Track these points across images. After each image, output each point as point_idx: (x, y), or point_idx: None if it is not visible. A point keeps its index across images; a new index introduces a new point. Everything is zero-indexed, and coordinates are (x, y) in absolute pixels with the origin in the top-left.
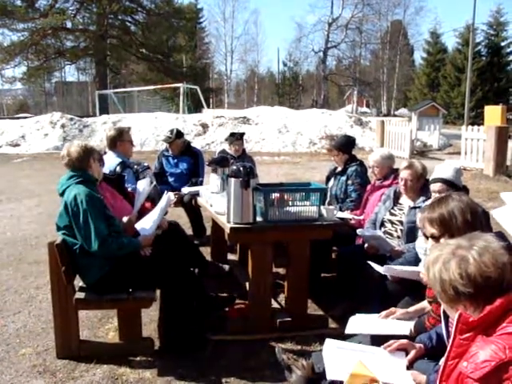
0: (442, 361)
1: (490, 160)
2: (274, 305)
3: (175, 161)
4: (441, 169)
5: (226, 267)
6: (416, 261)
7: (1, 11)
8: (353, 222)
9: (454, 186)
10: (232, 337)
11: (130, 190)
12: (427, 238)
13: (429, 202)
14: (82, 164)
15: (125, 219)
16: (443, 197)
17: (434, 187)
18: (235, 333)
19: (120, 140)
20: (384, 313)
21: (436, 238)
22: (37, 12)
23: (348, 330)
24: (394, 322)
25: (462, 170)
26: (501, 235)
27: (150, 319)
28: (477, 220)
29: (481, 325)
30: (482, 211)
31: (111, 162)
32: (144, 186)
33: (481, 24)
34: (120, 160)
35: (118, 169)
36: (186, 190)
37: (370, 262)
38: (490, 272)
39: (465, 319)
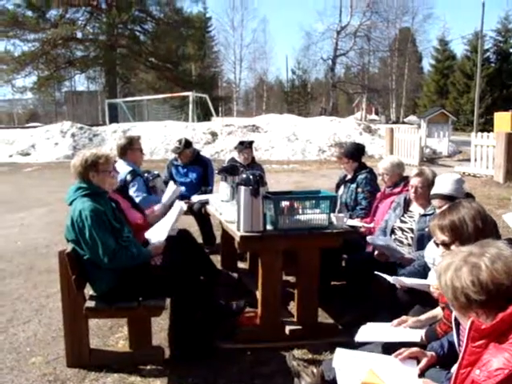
0: (455, 369)
1: (500, 166)
2: (284, 313)
3: (185, 170)
4: (439, 183)
5: (236, 275)
6: (425, 269)
7: (12, 22)
8: (363, 229)
9: (453, 198)
10: (242, 345)
11: (138, 199)
12: (438, 245)
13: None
14: (84, 176)
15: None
16: (454, 204)
17: (434, 203)
18: (245, 341)
19: (130, 148)
20: (396, 321)
21: (447, 245)
22: (47, 22)
23: (358, 338)
24: (404, 330)
25: (466, 177)
26: (511, 242)
27: (160, 328)
28: (487, 227)
29: (493, 332)
30: (491, 218)
31: (121, 170)
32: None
33: (489, 31)
34: (130, 168)
35: (128, 177)
36: (195, 198)
37: (378, 273)
38: (502, 279)
39: (477, 327)
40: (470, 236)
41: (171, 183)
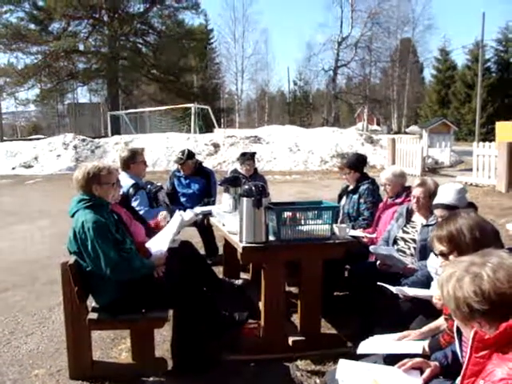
0: (459, 380)
1: (502, 176)
2: (287, 324)
3: (187, 181)
4: (441, 192)
5: (240, 281)
6: (428, 279)
7: (15, 35)
8: (365, 240)
9: (456, 208)
10: (245, 356)
11: (141, 213)
12: (437, 255)
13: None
14: (86, 189)
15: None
16: (452, 215)
17: (436, 213)
18: (248, 352)
19: (133, 162)
20: (397, 336)
21: (445, 256)
22: (50, 35)
23: (360, 351)
24: (406, 342)
25: (468, 187)
26: None
27: (162, 339)
28: (486, 237)
29: (497, 342)
30: (491, 228)
31: (124, 183)
32: (189, 216)
33: (490, 40)
34: (133, 182)
35: (130, 191)
36: (198, 209)
37: (380, 283)
38: (504, 289)
39: (480, 337)
40: (467, 246)
41: (188, 212)
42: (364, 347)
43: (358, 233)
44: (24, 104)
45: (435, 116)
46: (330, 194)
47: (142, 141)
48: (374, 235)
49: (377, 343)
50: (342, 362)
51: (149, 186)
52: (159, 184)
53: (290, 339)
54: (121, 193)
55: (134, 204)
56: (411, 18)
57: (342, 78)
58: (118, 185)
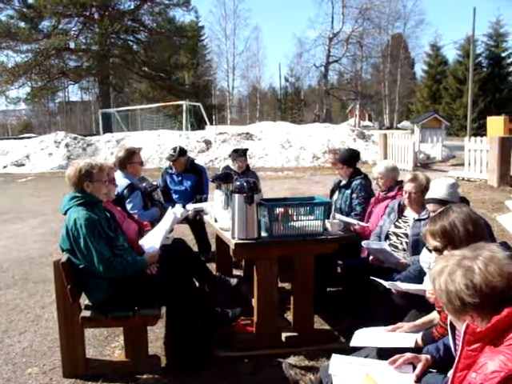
0: (451, 373)
1: (493, 171)
2: (281, 320)
3: (179, 178)
4: (434, 187)
5: (234, 281)
6: (421, 274)
7: (5, 33)
8: (357, 227)
9: (448, 203)
10: (239, 353)
11: (136, 216)
12: (430, 251)
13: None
14: (78, 186)
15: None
16: (444, 209)
17: (428, 207)
18: (242, 349)
19: (130, 162)
20: (391, 327)
21: (439, 251)
22: (40, 33)
23: (353, 343)
24: (399, 335)
25: (460, 182)
26: (505, 245)
27: (156, 336)
28: (479, 230)
29: (488, 335)
30: (484, 222)
31: (119, 182)
32: (179, 212)
33: (481, 35)
34: (128, 182)
35: (125, 192)
36: (190, 206)
37: (373, 278)
38: (495, 282)
39: (472, 330)
40: (461, 240)
41: (177, 207)
42: (357, 339)
43: (351, 219)
44: (15, 102)
45: (427, 111)
46: (322, 190)
47: (134, 138)
48: (367, 224)
49: (370, 336)
50: (334, 356)
51: (144, 185)
52: (155, 183)
53: (283, 335)
54: (116, 193)
55: (128, 207)
56: (402, 14)
57: (333, 73)
58: (112, 183)
